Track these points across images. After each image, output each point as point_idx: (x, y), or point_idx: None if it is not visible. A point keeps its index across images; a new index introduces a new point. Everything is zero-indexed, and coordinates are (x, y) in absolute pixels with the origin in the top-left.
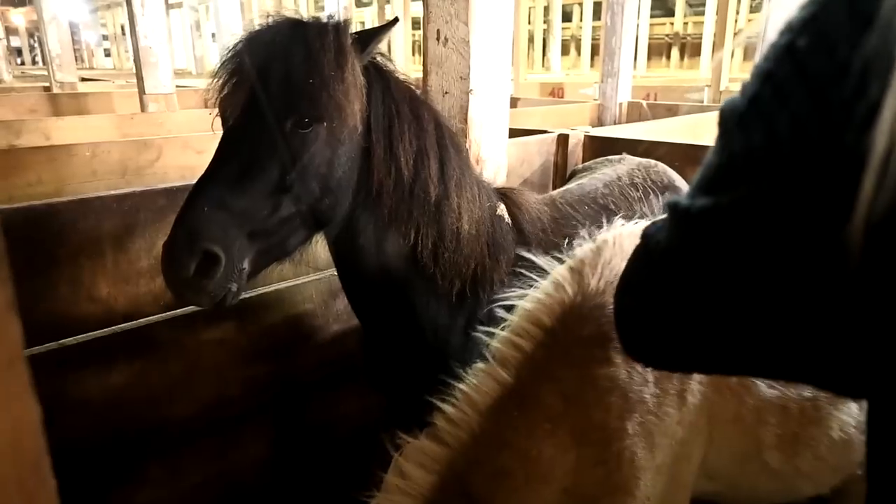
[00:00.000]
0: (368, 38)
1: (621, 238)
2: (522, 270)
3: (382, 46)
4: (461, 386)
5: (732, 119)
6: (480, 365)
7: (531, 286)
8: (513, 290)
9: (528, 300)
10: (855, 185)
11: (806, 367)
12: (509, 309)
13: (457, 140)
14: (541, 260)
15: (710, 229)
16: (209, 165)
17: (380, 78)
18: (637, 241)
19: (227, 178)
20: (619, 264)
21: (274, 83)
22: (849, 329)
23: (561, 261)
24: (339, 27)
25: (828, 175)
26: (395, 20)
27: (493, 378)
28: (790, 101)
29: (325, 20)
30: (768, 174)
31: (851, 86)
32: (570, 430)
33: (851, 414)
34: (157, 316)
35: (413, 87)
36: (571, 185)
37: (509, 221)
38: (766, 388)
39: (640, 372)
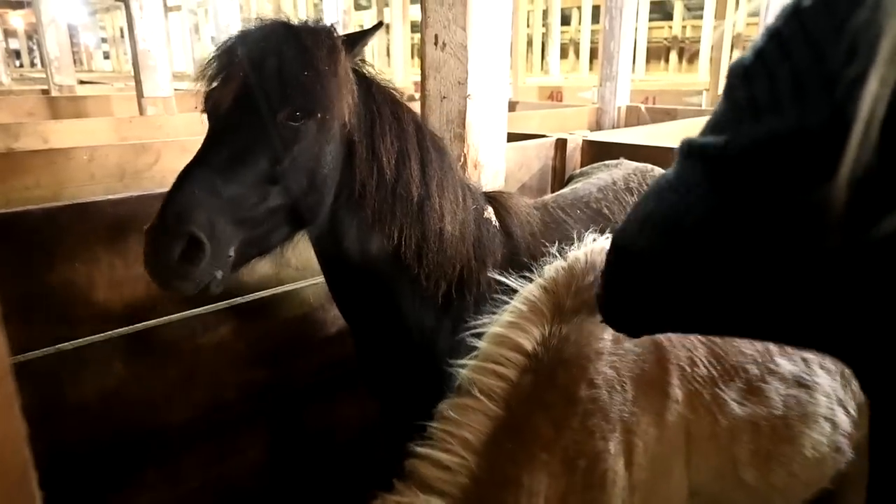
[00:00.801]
0: (355, 40)
1: (593, 255)
2: (507, 278)
3: (381, 49)
4: (447, 427)
5: (738, 72)
6: (463, 400)
7: (500, 310)
8: (483, 317)
9: (501, 325)
10: (841, 140)
11: (795, 321)
12: (479, 335)
13: (439, 142)
14: (512, 281)
15: (709, 163)
16: (198, 152)
17: (361, 81)
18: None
19: (216, 164)
20: (593, 282)
21: (267, 76)
22: (835, 286)
23: (531, 280)
24: (330, 27)
25: (818, 127)
26: (380, 24)
27: (483, 413)
28: (792, 55)
29: (312, 23)
30: (766, 120)
31: (843, 49)
32: (561, 457)
33: (824, 433)
34: (154, 320)
35: (393, 91)
36: (565, 190)
37: (496, 224)
38: (737, 407)
39: (620, 391)
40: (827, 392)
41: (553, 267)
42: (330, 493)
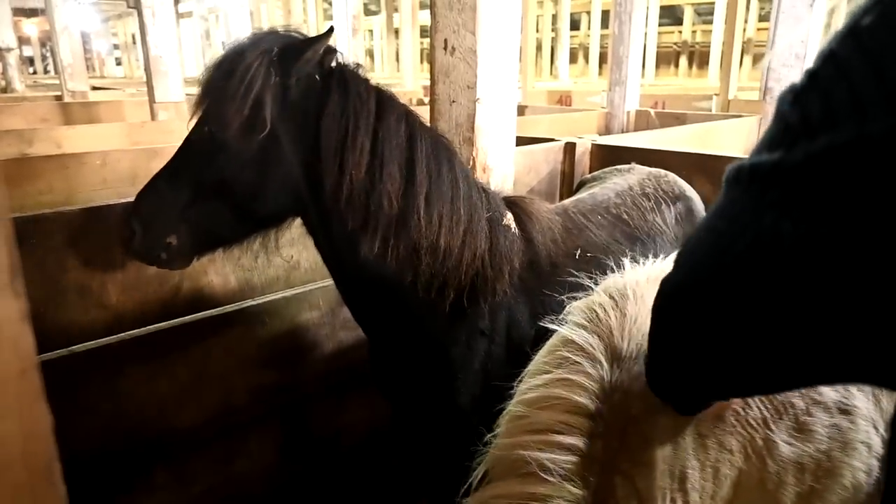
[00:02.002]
0: (297, 50)
1: (640, 287)
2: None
3: (390, 54)
4: None
5: (788, 97)
6: (531, 488)
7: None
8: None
9: (546, 382)
10: None
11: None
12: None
13: (442, 152)
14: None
15: (759, 182)
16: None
17: (341, 89)
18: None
19: (164, 172)
20: (646, 322)
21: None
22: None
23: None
24: (250, 42)
25: (881, 134)
26: (331, 30)
27: (562, 499)
28: (849, 73)
29: (253, 40)
30: (821, 137)
31: None
32: None
33: (862, 459)
34: (165, 323)
35: (386, 97)
36: (583, 195)
37: (516, 231)
38: (786, 448)
39: (682, 442)
40: (864, 415)
41: (595, 303)
42: (339, 496)
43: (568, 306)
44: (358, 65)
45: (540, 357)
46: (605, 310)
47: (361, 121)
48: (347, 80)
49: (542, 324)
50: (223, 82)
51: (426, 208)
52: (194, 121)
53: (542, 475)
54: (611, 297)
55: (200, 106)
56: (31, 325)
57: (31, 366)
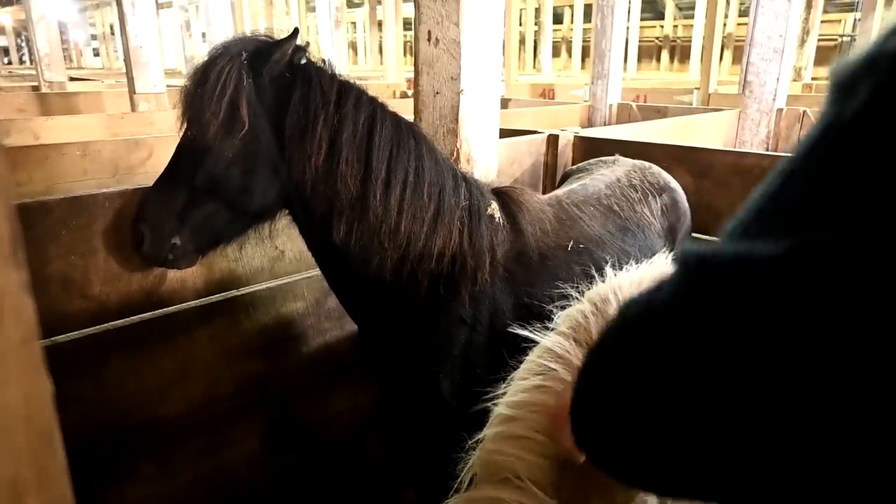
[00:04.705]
0: (266, 52)
1: (623, 291)
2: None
3: (373, 47)
4: None
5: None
6: (502, 492)
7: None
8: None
9: (526, 389)
10: None
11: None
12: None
13: (405, 139)
14: (532, 333)
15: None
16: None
17: (304, 84)
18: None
19: (162, 178)
20: None
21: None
22: None
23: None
24: (221, 49)
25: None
26: (296, 31)
27: None
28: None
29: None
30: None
31: None
32: None
33: None
34: (149, 313)
35: (348, 88)
36: (575, 186)
37: (501, 220)
38: None
39: None
40: None
41: (578, 311)
42: (325, 485)
43: (556, 316)
44: (324, 60)
45: (524, 365)
46: (585, 316)
47: (321, 112)
48: (311, 76)
49: (525, 332)
50: (199, 89)
51: (384, 192)
52: (181, 131)
53: (514, 481)
54: (592, 303)
55: (185, 115)
56: (32, 296)
57: (32, 335)
